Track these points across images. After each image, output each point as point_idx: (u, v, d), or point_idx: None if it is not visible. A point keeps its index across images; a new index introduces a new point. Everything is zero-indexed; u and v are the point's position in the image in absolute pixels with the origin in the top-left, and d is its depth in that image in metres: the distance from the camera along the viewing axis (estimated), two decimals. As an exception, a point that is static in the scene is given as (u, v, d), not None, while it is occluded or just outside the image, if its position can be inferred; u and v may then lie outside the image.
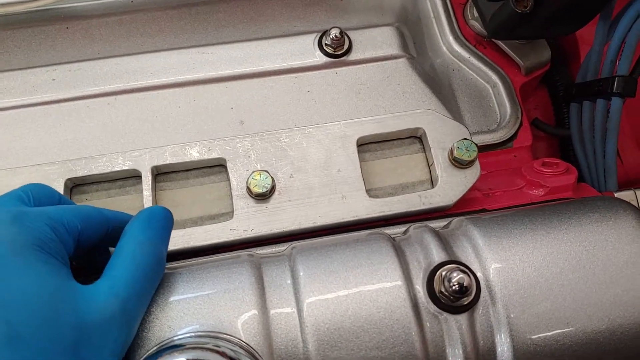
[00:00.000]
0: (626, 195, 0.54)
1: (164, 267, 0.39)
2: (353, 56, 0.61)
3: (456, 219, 0.46)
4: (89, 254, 0.40)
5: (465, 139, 0.51)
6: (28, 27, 0.64)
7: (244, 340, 0.38)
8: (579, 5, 0.51)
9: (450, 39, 0.64)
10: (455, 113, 0.62)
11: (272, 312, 0.39)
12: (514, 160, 0.60)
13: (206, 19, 0.64)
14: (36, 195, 0.38)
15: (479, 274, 0.41)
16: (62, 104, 0.58)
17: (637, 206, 0.54)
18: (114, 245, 0.38)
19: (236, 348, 0.37)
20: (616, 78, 0.57)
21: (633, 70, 0.59)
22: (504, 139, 0.60)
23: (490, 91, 0.63)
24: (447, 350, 0.39)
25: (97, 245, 0.40)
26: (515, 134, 0.60)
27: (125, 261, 0.36)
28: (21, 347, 0.29)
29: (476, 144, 0.51)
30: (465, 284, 0.38)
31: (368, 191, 0.51)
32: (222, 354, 0.36)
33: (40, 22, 0.64)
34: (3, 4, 0.62)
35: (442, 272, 0.40)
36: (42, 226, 0.34)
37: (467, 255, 0.42)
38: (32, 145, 0.57)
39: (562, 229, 0.43)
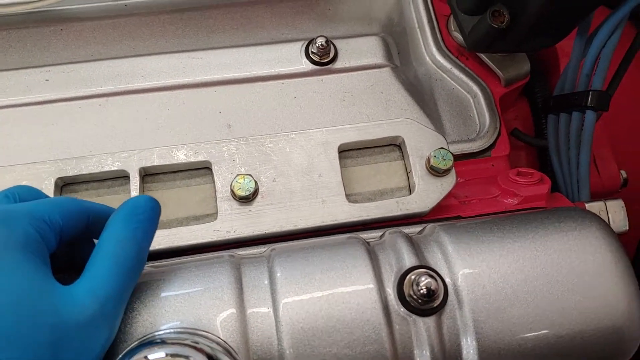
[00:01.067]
0: (596, 205, 0.56)
1: (144, 262, 0.39)
2: (338, 64, 0.63)
3: (429, 226, 0.48)
4: (71, 247, 0.41)
5: (442, 148, 0.53)
6: (24, 28, 0.65)
7: (222, 338, 0.40)
8: (554, 21, 0.54)
9: (434, 49, 0.66)
10: (436, 122, 0.64)
11: (249, 311, 0.41)
12: (491, 169, 0.62)
13: (197, 24, 0.66)
14: (23, 197, 0.39)
15: (447, 279, 0.43)
16: (55, 104, 0.60)
17: (607, 216, 0.56)
18: (97, 237, 0.38)
19: (214, 345, 0.39)
20: (590, 92, 0.59)
21: (609, 86, 0.61)
22: (482, 148, 0.62)
23: (471, 101, 0.65)
24: (415, 352, 0.41)
25: (79, 237, 0.40)
26: (494, 144, 0.62)
27: (104, 259, 0.36)
28: None
29: (452, 154, 0.53)
30: (432, 288, 0.41)
31: (348, 196, 0.53)
32: (200, 350, 0.38)
33: (36, 24, 0.66)
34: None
35: (412, 276, 0.42)
36: (25, 226, 0.34)
37: (436, 261, 0.44)
38: (25, 143, 0.59)
39: (529, 238, 0.45)
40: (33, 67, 0.61)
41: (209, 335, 0.40)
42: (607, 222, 0.56)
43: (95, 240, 0.38)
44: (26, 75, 0.61)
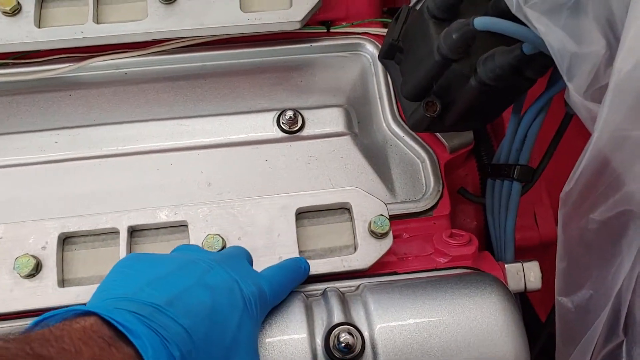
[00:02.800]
0: (514, 266, 0.65)
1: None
2: (305, 132, 0.74)
3: (361, 285, 0.58)
4: None
5: (381, 215, 0.63)
6: (39, 92, 0.77)
7: None
8: (480, 111, 0.63)
9: (390, 118, 0.76)
10: (388, 183, 0.74)
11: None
12: (433, 227, 0.72)
13: (186, 92, 0.77)
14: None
15: (366, 333, 0.53)
16: (62, 163, 0.71)
17: (523, 276, 0.65)
18: None
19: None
20: (517, 166, 0.68)
21: (541, 161, 0.70)
22: (425, 208, 0.72)
23: (420, 165, 0.75)
24: (335, 395, 0.51)
25: None
26: (436, 204, 0.72)
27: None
28: None
29: (389, 220, 0.63)
30: (350, 343, 0.51)
31: (301, 252, 0.63)
32: None
33: (49, 88, 0.77)
34: (19, 73, 0.75)
35: (336, 331, 0.52)
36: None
37: (359, 317, 0.54)
38: (35, 196, 0.70)
39: (437, 301, 0.55)
40: (45, 130, 0.73)
41: None
42: (523, 280, 0.66)
43: None
44: (39, 137, 0.72)
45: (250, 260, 0.58)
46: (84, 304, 0.45)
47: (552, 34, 0.47)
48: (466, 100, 0.60)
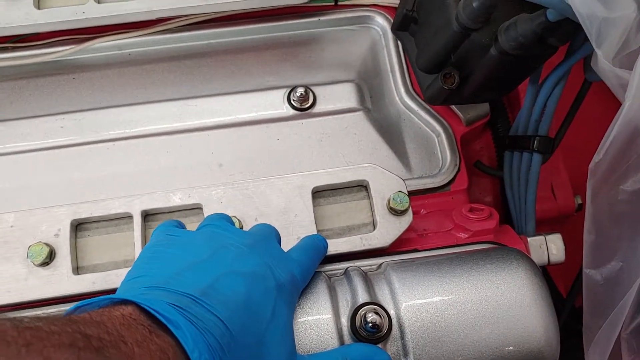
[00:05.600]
0: (537, 240, 0.64)
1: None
2: (317, 109, 0.72)
3: (384, 264, 0.57)
4: None
5: (400, 191, 0.62)
6: (41, 77, 0.74)
7: None
8: (499, 83, 0.61)
9: (403, 92, 0.74)
10: (403, 158, 0.72)
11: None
12: (451, 202, 0.70)
13: (192, 72, 0.75)
14: None
15: (392, 312, 0.51)
16: (69, 148, 0.70)
17: (546, 249, 0.64)
18: None
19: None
20: (537, 137, 0.67)
21: (558, 131, 0.69)
22: (443, 183, 0.70)
23: (435, 140, 0.73)
24: (362, 373, 0.50)
25: None
26: (454, 179, 0.71)
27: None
28: None
29: (409, 196, 0.61)
30: (377, 323, 0.49)
31: (319, 232, 0.62)
32: None
33: (51, 72, 0.75)
34: (20, 57, 0.73)
35: (362, 311, 0.51)
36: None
37: (384, 296, 0.53)
38: (43, 183, 0.69)
39: (463, 277, 0.53)
40: (50, 115, 0.71)
41: None
42: (546, 253, 0.65)
43: None
44: (44, 123, 0.70)
45: (279, 240, 0.56)
46: (114, 291, 0.44)
47: (580, -1, 0.45)
48: (486, 70, 0.58)
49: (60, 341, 0.32)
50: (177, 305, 0.40)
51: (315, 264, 0.55)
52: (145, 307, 0.39)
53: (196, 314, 0.41)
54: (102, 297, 0.41)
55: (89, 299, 0.41)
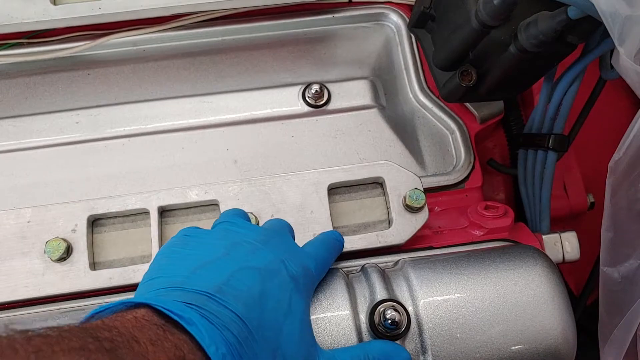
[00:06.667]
0: (552, 237, 0.64)
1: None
2: (331, 106, 0.72)
3: (401, 260, 0.57)
4: None
5: (416, 188, 0.62)
6: (55, 72, 0.75)
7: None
8: (516, 80, 0.61)
9: (417, 89, 0.74)
10: (417, 156, 0.72)
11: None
12: (465, 199, 0.70)
13: (207, 69, 0.75)
14: None
15: (410, 308, 0.52)
16: (84, 144, 0.70)
17: (561, 247, 0.64)
18: None
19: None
20: (552, 136, 0.67)
21: (571, 129, 0.69)
22: (457, 181, 0.70)
23: (449, 137, 0.73)
24: (381, 369, 0.50)
25: None
26: (468, 177, 0.71)
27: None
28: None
29: (424, 193, 0.61)
30: (396, 320, 0.50)
31: (335, 229, 0.62)
32: None
33: (66, 67, 0.75)
34: (35, 52, 0.73)
35: (381, 308, 0.51)
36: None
37: (402, 293, 0.53)
38: (59, 178, 0.69)
39: (481, 275, 0.53)
40: (65, 110, 0.71)
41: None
42: (561, 251, 0.65)
43: None
44: (59, 119, 0.70)
45: (292, 234, 0.56)
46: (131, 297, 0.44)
47: (603, -4, 0.45)
48: (504, 68, 0.58)
49: (70, 345, 0.32)
50: (192, 304, 0.40)
51: (331, 257, 0.55)
52: (159, 308, 0.39)
53: (212, 310, 0.41)
54: (115, 302, 0.41)
55: (102, 305, 0.41)
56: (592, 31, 0.54)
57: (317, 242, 0.56)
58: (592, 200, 0.80)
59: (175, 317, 0.39)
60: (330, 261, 0.55)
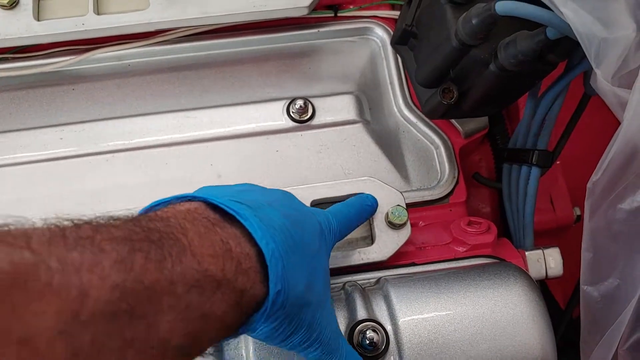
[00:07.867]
0: (535, 254, 0.64)
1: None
2: (316, 121, 0.72)
3: (383, 278, 0.57)
4: None
5: (398, 205, 0.62)
6: (40, 87, 0.74)
7: None
8: (497, 98, 0.61)
9: (402, 104, 0.74)
10: (402, 170, 0.72)
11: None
12: (449, 214, 0.70)
13: (192, 83, 0.75)
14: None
15: (389, 328, 0.52)
16: (69, 160, 0.70)
17: (544, 263, 0.64)
18: None
19: None
20: (536, 151, 0.67)
21: (557, 145, 0.69)
22: (441, 196, 0.70)
23: (434, 152, 0.73)
24: (361, 390, 0.50)
25: None
26: (452, 191, 0.71)
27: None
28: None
29: (407, 210, 0.61)
30: (375, 340, 0.50)
31: (318, 246, 0.62)
32: None
33: (51, 83, 0.75)
34: (19, 67, 0.73)
35: (360, 328, 0.51)
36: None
37: (382, 312, 0.53)
38: (43, 194, 0.69)
39: (461, 293, 0.53)
40: (49, 126, 0.71)
41: None
42: (544, 267, 0.65)
43: None
44: (43, 134, 0.70)
45: None
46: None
47: (579, 19, 0.45)
48: (485, 86, 0.58)
49: (117, 234, 0.33)
50: (247, 204, 0.41)
51: (359, 219, 0.57)
52: (214, 202, 0.41)
53: (265, 213, 0.42)
54: (170, 197, 0.42)
55: (159, 199, 0.42)
56: (572, 50, 0.54)
57: (341, 204, 0.57)
58: (579, 213, 0.80)
59: (231, 211, 0.40)
60: (354, 221, 0.56)
